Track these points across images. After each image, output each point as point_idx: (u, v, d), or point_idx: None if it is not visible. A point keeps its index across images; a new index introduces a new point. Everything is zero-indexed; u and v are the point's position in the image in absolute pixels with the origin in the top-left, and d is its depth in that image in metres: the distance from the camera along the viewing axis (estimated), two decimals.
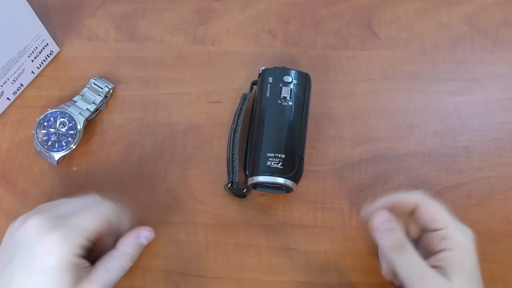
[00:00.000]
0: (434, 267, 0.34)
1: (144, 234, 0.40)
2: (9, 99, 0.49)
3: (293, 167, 0.42)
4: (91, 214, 0.36)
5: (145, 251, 0.44)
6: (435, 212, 0.35)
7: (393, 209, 0.37)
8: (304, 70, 0.46)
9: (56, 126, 0.45)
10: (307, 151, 0.45)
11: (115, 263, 0.37)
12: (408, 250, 0.34)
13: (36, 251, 0.33)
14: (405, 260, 0.34)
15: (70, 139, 0.45)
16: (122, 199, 0.40)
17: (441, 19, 0.54)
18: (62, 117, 0.46)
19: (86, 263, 0.36)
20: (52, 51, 0.51)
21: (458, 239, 0.34)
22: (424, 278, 0.33)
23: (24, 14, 0.45)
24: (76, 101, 0.47)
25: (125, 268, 0.38)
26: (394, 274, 0.39)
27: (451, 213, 0.36)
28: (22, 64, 0.48)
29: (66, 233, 0.34)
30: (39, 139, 0.45)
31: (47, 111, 0.46)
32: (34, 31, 0.47)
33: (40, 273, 0.33)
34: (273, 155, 0.42)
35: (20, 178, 0.46)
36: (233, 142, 0.46)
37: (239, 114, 0.47)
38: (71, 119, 0.46)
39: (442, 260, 0.34)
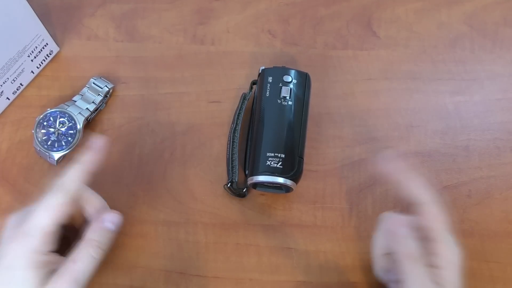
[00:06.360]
0: None
1: (108, 218, 0.38)
2: (8, 99, 0.49)
3: (293, 167, 0.42)
4: (43, 208, 0.35)
5: (145, 251, 0.44)
6: (433, 220, 0.36)
7: (399, 188, 0.37)
8: (304, 70, 0.46)
9: (55, 126, 0.45)
10: (307, 151, 0.45)
11: (82, 252, 0.36)
12: (421, 264, 0.34)
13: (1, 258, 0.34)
14: (416, 273, 0.34)
15: (69, 138, 0.45)
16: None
17: (441, 19, 0.54)
18: (62, 117, 0.46)
19: (56, 257, 0.36)
20: (51, 50, 0.51)
21: (447, 257, 0.35)
22: None
23: (24, 14, 0.45)
24: (75, 101, 0.47)
25: (94, 257, 0.36)
26: (387, 271, 0.39)
27: (447, 227, 0.36)
28: (22, 63, 0.48)
29: (22, 236, 0.34)
30: (39, 139, 0.45)
31: (47, 110, 0.46)
32: (34, 30, 0.47)
33: (6, 271, 0.34)
34: (272, 154, 0.42)
35: (19, 178, 0.46)
36: (232, 141, 0.46)
37: (238, 113, 0.47)
38: (71, 118, 0.46)
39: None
